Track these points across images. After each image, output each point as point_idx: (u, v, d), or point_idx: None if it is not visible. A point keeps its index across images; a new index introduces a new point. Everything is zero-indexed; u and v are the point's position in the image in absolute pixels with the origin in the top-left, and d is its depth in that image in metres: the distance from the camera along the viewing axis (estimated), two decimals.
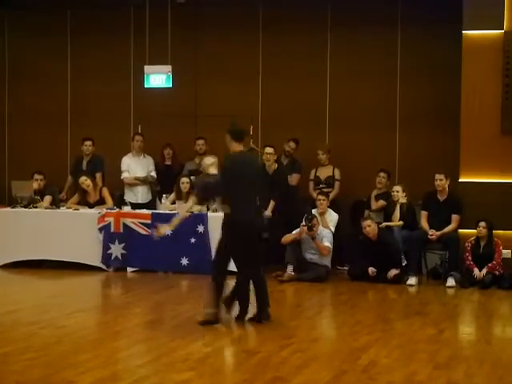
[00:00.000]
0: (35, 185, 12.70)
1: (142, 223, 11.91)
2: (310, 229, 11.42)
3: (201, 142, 13.10)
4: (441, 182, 11.60)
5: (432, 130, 13.08)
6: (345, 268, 12.16)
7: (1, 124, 14.82)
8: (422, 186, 12.06)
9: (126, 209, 12.31)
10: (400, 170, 13.25)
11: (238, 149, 8.22)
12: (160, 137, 13.48)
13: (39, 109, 14.57)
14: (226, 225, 8.11)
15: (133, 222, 11.97)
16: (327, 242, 11.51)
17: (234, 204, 8.06)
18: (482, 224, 11.26)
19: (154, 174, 13.22)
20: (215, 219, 11.40)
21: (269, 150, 12.40)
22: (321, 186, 12.83)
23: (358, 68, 13.44)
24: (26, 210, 12.38)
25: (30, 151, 14.44)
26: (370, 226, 11.39)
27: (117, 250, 12.00)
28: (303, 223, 11.50)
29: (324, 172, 12.96)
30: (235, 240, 8.05)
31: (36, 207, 12.43)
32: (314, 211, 11.90)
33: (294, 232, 11.61)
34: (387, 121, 13.37)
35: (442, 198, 11.70)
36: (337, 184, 12.88)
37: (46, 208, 12.47)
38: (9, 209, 12.55)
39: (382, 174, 12.61)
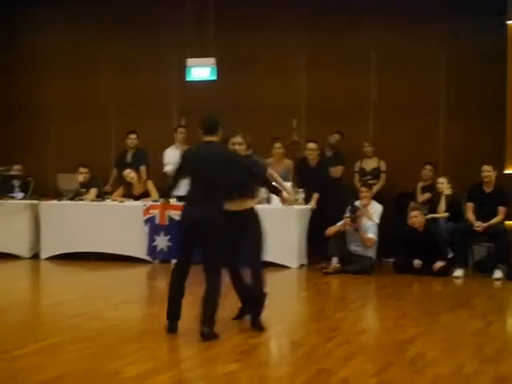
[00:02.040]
0: (80, 178, 12.82)
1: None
2: (354, 220, 11.37)
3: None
4: (488, 173, 11.46)
5: (477, 121, 12.94)
6: (390, 260, 12.09)
7: (46, 118, 14.96)
8: (466, 178, 11.95)
9: (171, 201, 12.33)
10: (445, 162, 13.13)
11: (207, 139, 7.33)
12: None
13: (83, 102, 14.68)
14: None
15: (177, 215, 11.97)
16: (371, 234, 11.45)
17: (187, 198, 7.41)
18: None
19: None
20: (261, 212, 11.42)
21: (312, 145, 12.38)
22: (366, 177, 12.77)
23: (402, 59, 13.35)
24: (72, 202, 12.51)
25: (74, 144, 14.56)
26: (416, 217, 11.31)
27: (162, 242, 12.06)
28: (347, 215, 11.46)
29: (369, 164, 12.91)
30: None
31: (82, 200, 12.55)
32: (357, 203, 11.85)
33: (338, 224, 11.57)
34: (432, 112, 13.26)
35: (488, 189, 11.57)
36: (383, 176, 12.83)
37: (92, 200, 12.57)
38: (55, 201, 12.68)
39: (427, 167, 12.52)
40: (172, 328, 7.26)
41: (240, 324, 7.67)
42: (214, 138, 7.25)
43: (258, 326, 7.54)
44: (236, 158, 7.43)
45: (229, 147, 7.55)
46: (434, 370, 6.16)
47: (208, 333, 6.98)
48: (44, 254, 12.52)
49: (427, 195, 12.32)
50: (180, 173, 7.36)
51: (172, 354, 6.81)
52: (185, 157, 7.39)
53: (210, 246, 7.10)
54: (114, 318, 8.12)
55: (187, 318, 8.26)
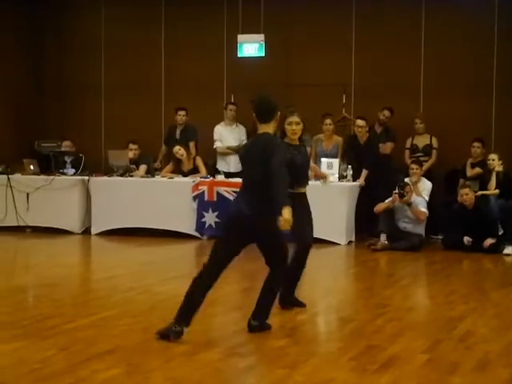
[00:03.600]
0: (130, 154, 12.95)
1: (235, 192, 11.95)
2: (403, 196, 11.32)
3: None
4: None
5: None
6: (439, 237, 12.03)
7: (97, 95, 15.07)
8: None
9: (220, 177, 12.42)
10: (496, 138, 12.98)
11: (263, 130, 6.43)
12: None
13: (134, 79, 14.75)
14: None
15: (226, 191, 12.05)
16: (423, 208, 11.41)
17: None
18: None
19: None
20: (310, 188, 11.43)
21: (360, 122, 12.32)
22: (418, 154, 12.69)
23: (452, 34, 13.18)
24: (122, 178, 12.63)
25: (125, 121, 14.65)
26: (467, 195, 11.21)
27: (210, 218, 12.12)
28: (396, 191, 11.41)
29: (421, 140, 12.81)
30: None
31: (132, 176, 12.67)
32: (406, 179, 11.79)
33: (386, 200, 11.53)
34: (483, 87, 13.09)
35: None
36: (434, 152, 12.73)
37: (142, 177, 12.68)
38: (105, 177, 12.81)
39: (476, 144, 12.36)
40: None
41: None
42: (269, 128, 6.38)
43: (298, 303, 7.44)
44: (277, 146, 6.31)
45: (285, 127, 7.14)
46: (484, 346, 6.14)
47: (256, 326, 6.47)
48: (94, 230, 12.67)
49: (477, 169, 12.20)
50: None
51: (222, 328, 6.86)
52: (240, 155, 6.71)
53: (266, 244, 6.43)
54: (164, 293, 8.20)
55: (237, 293, 8.34)
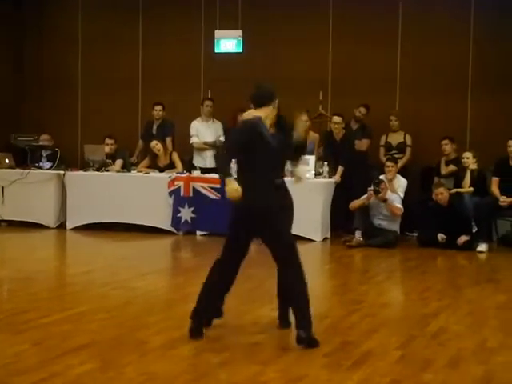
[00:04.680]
0: (107, 149, 12.90)
1: (211, 187, 11.98)
2: (378, 192, 11.36)
3: None
4: None
5: (504, 95, 12.85)
6: (414, 234, 12.09)
7: (73, 89, 15.02)
8: (493, 152, 11.88)
9: (196, 173, 12.42)
10: (471, 136, 13.07)
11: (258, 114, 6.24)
12: (230, 102, 13.47)
13: (111, 74, 14.72)
14: None
15: (202, 187, 12.06)
16: (398, 204, 11.46)
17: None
18: None
19: (222, 138, 13.27)
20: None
21: (336, 119, 12.36)
22: (392, 152, 12.74)
23: (429, 31, 13.26)
24: (98, 173, 12.58)
25: (101, 115, 14.62)
26: (442, 194, 11.28)
27: (186, 213, 12.12)
28: (371, 188, 11.45)
29: (395, 138, 12.87)
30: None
31: (108, 170, 12.63)
32: (382, 176, 11.84)
33: (362, 197, 11.57)
34: (459, 86, 13.17)
35: None
36: (408, 150, 12.79)
37: (118, 171, 12.65)
38: (81, 172, 12.77)
39: (444, 142, 12.43)
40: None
41: (262, 297, 7.70)
42: (261, 112, 6.21)
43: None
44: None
45: None
46: (457, 343, 6.19)
47: (307, 337, 6.04)
48: (69, 224, 12.62)
49: (451, 167, 12.28)
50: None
51: None
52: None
53: (270, 236, 6.27)
54: (140, 288, 8.21)
55: None
